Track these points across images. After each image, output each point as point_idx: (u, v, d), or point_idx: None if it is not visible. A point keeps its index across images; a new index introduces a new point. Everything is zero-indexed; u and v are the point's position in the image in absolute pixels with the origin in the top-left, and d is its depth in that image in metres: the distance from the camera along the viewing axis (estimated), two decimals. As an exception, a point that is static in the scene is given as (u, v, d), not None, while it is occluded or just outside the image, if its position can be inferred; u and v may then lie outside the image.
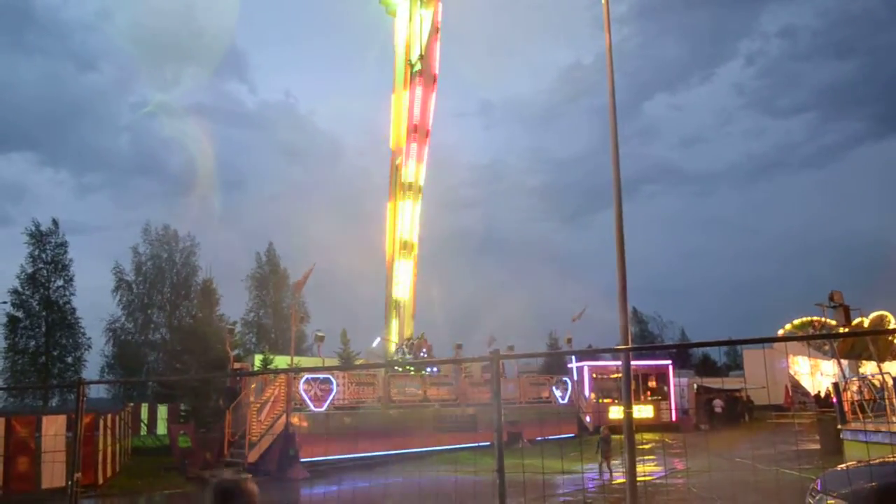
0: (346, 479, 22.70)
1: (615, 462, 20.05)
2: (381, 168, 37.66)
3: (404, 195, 35.24)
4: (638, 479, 13.41)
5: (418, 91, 35.69)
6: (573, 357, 40.01)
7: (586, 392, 38.18)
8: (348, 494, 20.85)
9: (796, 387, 42.23)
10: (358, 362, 31.37)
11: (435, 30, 36.40)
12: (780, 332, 25.25)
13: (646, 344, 65.85)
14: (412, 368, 30.06)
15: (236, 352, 33.78)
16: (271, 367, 30.50)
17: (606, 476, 19.19)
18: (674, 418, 39.39)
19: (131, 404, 33.27)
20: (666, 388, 40.27)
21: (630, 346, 16.37)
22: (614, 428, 26.28)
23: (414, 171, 35.63)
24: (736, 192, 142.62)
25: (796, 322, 39.53)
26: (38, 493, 18.98)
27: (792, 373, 41.63)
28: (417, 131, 35.60)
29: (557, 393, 35.33)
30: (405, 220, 35.25)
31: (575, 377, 37.96)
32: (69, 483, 8.72)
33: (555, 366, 46.35)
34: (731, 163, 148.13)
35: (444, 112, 37.38)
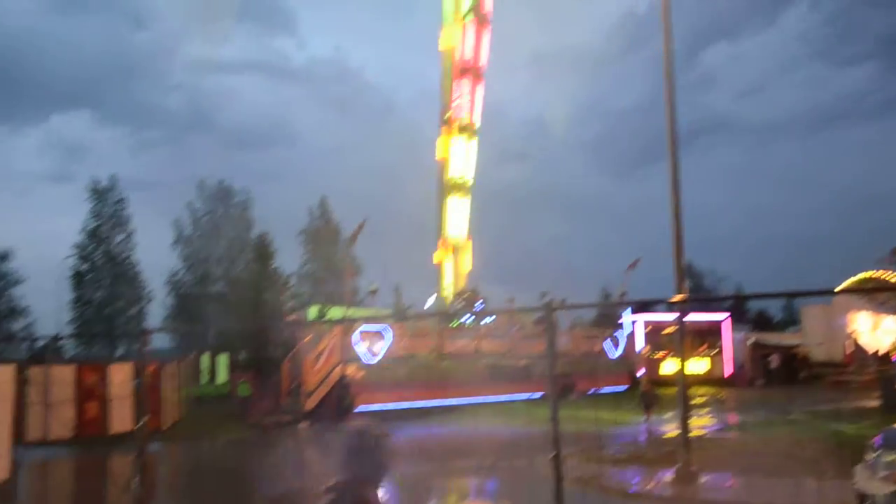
0: (401, 428, 23.15)
1: (666, 415, 19.94)
2: (432, 120, 37.43)
3: (459, 133, 34.71)
4: (691, 432, 13.38)
5: (470, 30, 34.98)
6: (627, 310, 39.74)
7: (639, 346, 37.98)
8: (403, 442, 21.29)
9: (856, 343, 41.32)
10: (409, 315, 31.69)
11: None
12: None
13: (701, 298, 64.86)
14: (467, 321, 30.31)
15: (291, 304, 34.39)
16: (326, 318, 31.00)
17: (644, 433, 18.90)
18: (728, 374, 39.00)
19: (193, 354, 34.27)
20: (720, 343, 39.80)
21: (685, 297, 16.17)
22: (657, 382, 26.10)
23: (468, 109, 35.09)
24: (796, 144, 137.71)
25: (857, 277, 38.52)
26: (107, 437, 19.83)
27: (851, 330, 40.67)
28: (471, 71, 35.02)
29: (610, 346, 35.26)
30: (457, 160, 34.94)
31: (628, 331, 37.76)
32: (137, 426, 9.14)
33: (608, 320, 46.13)
34: (792, 113, 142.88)
35: (495, 64, 37.05)
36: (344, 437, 3.32)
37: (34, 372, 20.54)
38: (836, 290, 9.79)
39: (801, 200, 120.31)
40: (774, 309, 74.79)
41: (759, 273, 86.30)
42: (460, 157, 35.11)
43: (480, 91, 35.51)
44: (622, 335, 36.68)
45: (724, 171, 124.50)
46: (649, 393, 19.92)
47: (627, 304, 39.07)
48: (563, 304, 5.57)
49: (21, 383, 17.97)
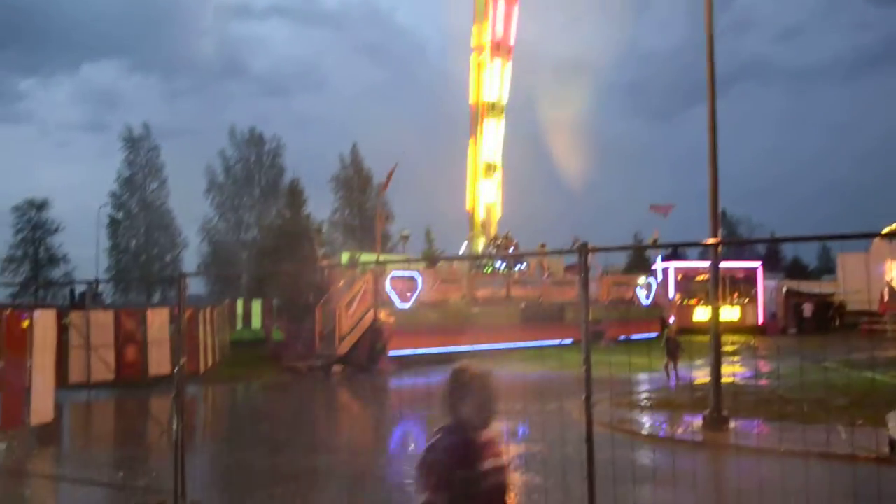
0: (433, 372, 23.45)
1: (696, 362, 19.87)
2: (464, 63, 36.99)
3: (488, 113, 34.72)
4: (722, 379, 13.36)
5: (501, 5, 34.64)
6: (658, 258, 39.53)
7: (671, 293, 37.83)
8: (435, 385, 21.57)
9: (892, 293, 40.74)
10: (440, 263, 31.87)
11: None
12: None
13: (736, 247, 64.03)
14: (500, 267, 30.40)
15: (324, 250, 34.66)
16: (358, 264, 31.23)
17: (673, 380, 18.78)
18: (761, 321, 38.75)
19: (227, 300, 34.84)
20: (754, 291, 39.49)
21: (719, 240, 15.94)
22: (687, 329, 25.93)
23: (497, 89, 35.01)
24: (838, 89, 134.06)
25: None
26: (146, 380, 20.36)
27: (889, 279, 40.02)
28: (500, 48, 34.77)
29: (641, 293, 35.16)
30: (488, 140, 34.91)
31: (659, 278, 37.59)
32: (175, 369, 9.40)
33: (640, 267, 45.92)
34: (833, 57, 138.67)
35: (527, 5, 36.20)
36: (446, 378, 3.23)
37: (75, 317, 21.05)
38: (883, 233, 9.62)
39: (842, 147, 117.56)
40: (809, 257, 73.83)
41: (795, 221, 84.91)
42: (491, 139, 35.08)
43: (509, 70, 35.35)
44: (654, 282, 36.52)
45: (761, 117, 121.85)
46: (673, 340, 19.73)
47: (661, 246, 38.80)
48: (596, 246, 5.50)
49: (63, 328, 18.46)
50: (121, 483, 9.88)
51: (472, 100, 35.54)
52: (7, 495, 9.78)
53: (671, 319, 35.39)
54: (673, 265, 38.74)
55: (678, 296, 37.86)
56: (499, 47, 34.72)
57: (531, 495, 8.79)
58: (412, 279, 26.37)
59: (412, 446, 13.60)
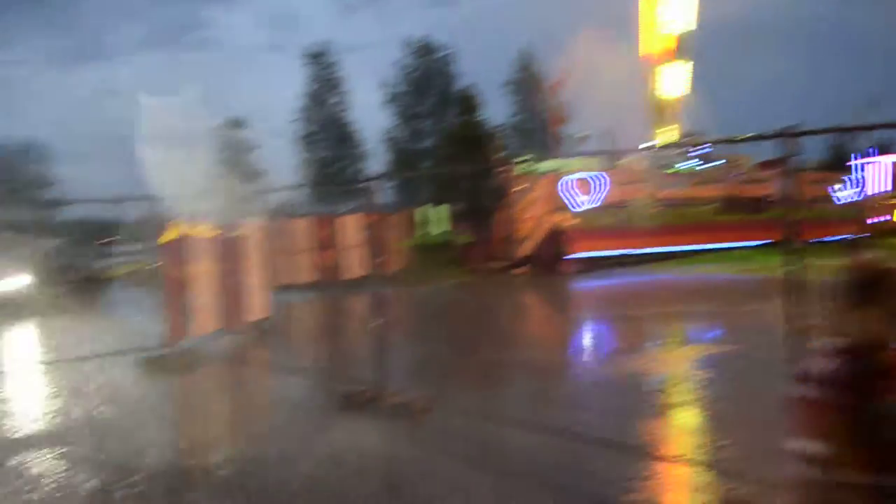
0: (616, 274, 23.33)
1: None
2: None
3: None
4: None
5: None
6: (866, 152, 36.07)
7: (881, 188, 34.56)
8: (618, 287, 21.53)
9: None
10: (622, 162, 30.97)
11: None
12: None
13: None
14: (687, 166, 29.31)
15: (502, 154, 34.70)
16: (537, 167, 31.14)
17: None
18: None
19: (411, 207, 36.06)
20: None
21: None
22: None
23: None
24: None
25: None
26: (342, 282, 21.83)
27: None
28: None
29: (839, 191, 32.61)
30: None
31: (864, 172, 34.45)
32: (374, 266, 10.06)
33: (835, 165, 42.36)
34: None
35: None
36: (843, 279, 2.44)
37: (277, 225, 22.79)
38: None
39: None
40: None
41: None
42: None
43: None
44: (853, 179, 33.64)
45: None
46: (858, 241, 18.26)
47: (876, 128, 35.86)
48: (803, 129, 5.10)
49: (267, 236, 20.06)
50: (328, 372, 10.82)
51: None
52: (233, 380, 11.02)
53: (875, 220, 32.58)
54: (881, 161, 35.29)
55: (889, 193, 34.60)
56: None
57: (723, 396, 8.69)
58: (592, 180, 26.00)
59: (600, 343, 13.77)
